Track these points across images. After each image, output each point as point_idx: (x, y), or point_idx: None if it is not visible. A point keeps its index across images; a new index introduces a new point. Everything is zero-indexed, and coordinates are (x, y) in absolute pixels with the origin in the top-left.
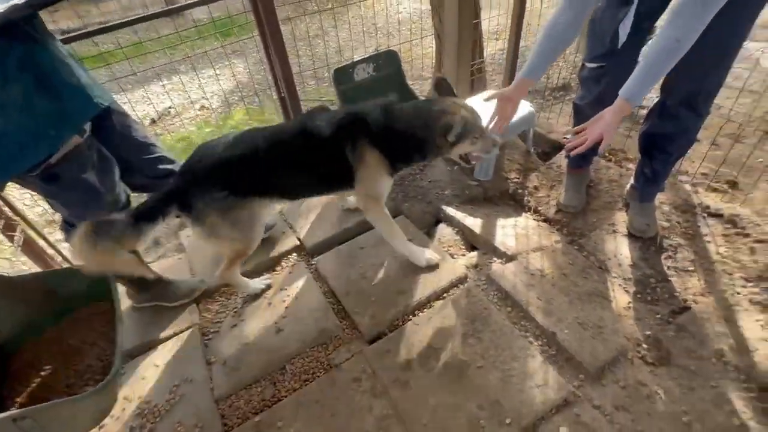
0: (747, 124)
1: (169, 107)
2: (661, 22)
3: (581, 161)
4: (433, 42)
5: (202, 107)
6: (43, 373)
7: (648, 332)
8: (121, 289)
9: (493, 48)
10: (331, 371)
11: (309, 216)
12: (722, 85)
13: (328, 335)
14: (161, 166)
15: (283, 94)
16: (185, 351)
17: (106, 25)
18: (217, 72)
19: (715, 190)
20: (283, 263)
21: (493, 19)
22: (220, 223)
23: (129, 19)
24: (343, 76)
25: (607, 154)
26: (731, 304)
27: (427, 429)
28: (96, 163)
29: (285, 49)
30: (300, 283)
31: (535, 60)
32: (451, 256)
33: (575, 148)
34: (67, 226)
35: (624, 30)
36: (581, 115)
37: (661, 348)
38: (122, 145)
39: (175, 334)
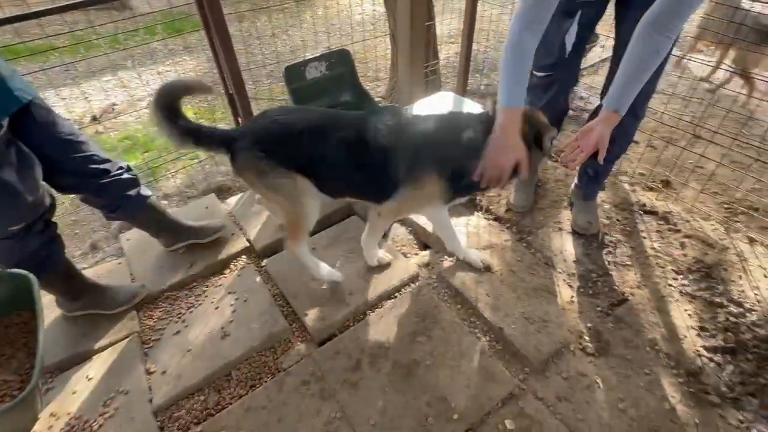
0: (677, 127)
1: (113, 104)
2: (600, 29)
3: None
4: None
5: (149, 104)
6: None
7: (589, 324)
8: (51, 298)
9: (449, 51)
10: (279, 375)
11: (260, 217)
12: (656, 89)
13: (277, 339)
14: (92, 166)
15: (231, 92)
16: (122, 361)
17: (31, 11)
18: (167, 69)
19: (651, 189)
20: (231, 266)
21: (450, 23)
22: (257, 184)
23: (60, 5)
24: (294, 74)
25: (553, 155)
26: (663, 296)
27: (375, 429)
28: (14, 162)
29: (231, 43)
30: (249, 285)
31: (519, 88)
32: (404, 255)
33: (572, 161)
34: None
35: (570, 40)
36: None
37: (600, 339)
38: (46, 143)
39: (112, 344)
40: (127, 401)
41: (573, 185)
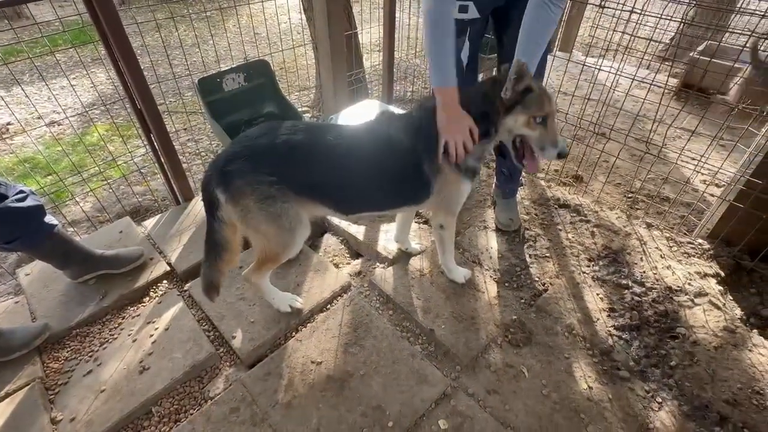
0: (587, 127)
1: (8, 123)
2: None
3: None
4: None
5: (53, 122)
6: None
7: (514, 317)
8: None
9: (375, 59)
10: (206, 406)
11: (181, 238)
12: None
13: (203, 366)
14: None
15: (139, 107)
16: (20, 414)
17: None
18: (73, 82)
19: (564, 184)
20: (151, 293)
21: (374, 32)
22: (255, 212)
23: None
24: (210, 86)
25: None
26: (578, 282)
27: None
28: None
29: (134, 56)
30: (171, 312)
31: (447, 60)
32: (336, 266)
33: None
34: None
35: (464, 56)
36: None
37: (525, 329)
38: None
39: (8, 395)
40: None
41: (494, 185)
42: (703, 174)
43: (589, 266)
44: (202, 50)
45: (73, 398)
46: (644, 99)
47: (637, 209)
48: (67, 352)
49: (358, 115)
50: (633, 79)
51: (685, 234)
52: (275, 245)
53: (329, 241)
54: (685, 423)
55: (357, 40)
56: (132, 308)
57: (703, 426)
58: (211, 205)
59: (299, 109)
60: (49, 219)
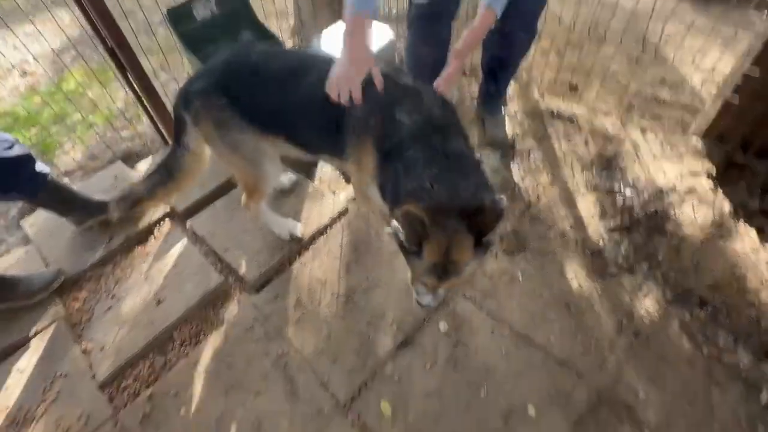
0: (583, 33)
1: None
2: None
3: None
4: None
5: (25, 73)
6: None
7: (508, 228)
8: None
9: None
10: (222, 328)
11: None
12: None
13: (214, 294)
14: None
15: (111, 45)
16: (53, 347)
17: None
18: (40, 27)
19: (558, 94)
20: (155, 233)
21: None
22: (215, 139)
23: None
24: (180, 16)
25: (466, 72)
26: (572, 191)
27: (322, 355)
28: None
29: None
30: (177, 249)
31: None
32: (333, 192)
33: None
34: None
35: None
36: (415, 55)
37: (518, 238)
38: None
39: (37, 333)
40: (69, 383)
41: (477, 102)
42: (701, 72)
43: (582, 174)
44: None
45: (98, 331)
46: None
47: (633, 114)
48: (85, 292)
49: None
50: None
51: (679, 135)
52: (246, 176)
53: (324, 169)
54: (668, 308)
55: None
56: (139, 248)
57: (684, 308)
58: (177, 128)
59: (278, 37)
60: (41, 167)
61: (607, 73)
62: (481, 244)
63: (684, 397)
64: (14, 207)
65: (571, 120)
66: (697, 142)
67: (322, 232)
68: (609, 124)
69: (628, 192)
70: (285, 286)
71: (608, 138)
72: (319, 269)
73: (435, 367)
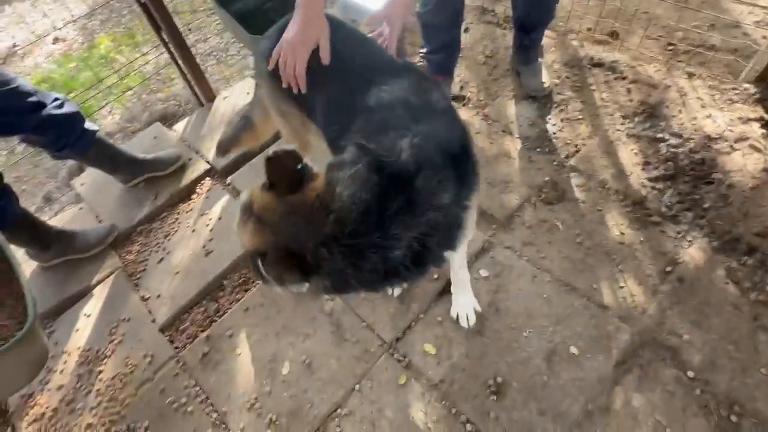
0: None
1: (14, 46)
2: None
3: (449, 71)
4: None
5: (57, 39)
6: None
7: (547, 178)
8: (22, 251)
9: None
10: None
11: (213, 137)
12: None
13: None
14: (23, 99)
15: (143, 1)
16: (114, 295)
17: None
18: None
19: (599, 42)
20: (197, 190)
21: None
22: (268, 100)
23: None
24: None
25: (501, 22)
26: (612, 140)
27: (365, 300)
28: None
29: None
30: (220, 204)
31: None
32: None
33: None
34: None
35: None
36: (429, 25)
37: (557, 188)
38: None
39: (99, 282)
40: (132, 326)
41: (511, 55)
42: (755, 14)
43: (623, 124)
44: None
45: (153, 281)
46: None
47: (679, 61)
48: (137, 246)
49: None
50: None
51: (729, 81)
52: (292, 142)
53: None
54: (714, 255)
55: None
56: (183, 205)
57: (731, 257)
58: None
59: None
60: (89, 124)
61: (652, 18)
62: None
63: (729, 339)
64: (64, 168)
65: (612, 68)
66: (749, 87)
67: None
68: (653, 71)
69: (673, 140)
70: None
71: (652, 85)
72: None
73: (476, 312)
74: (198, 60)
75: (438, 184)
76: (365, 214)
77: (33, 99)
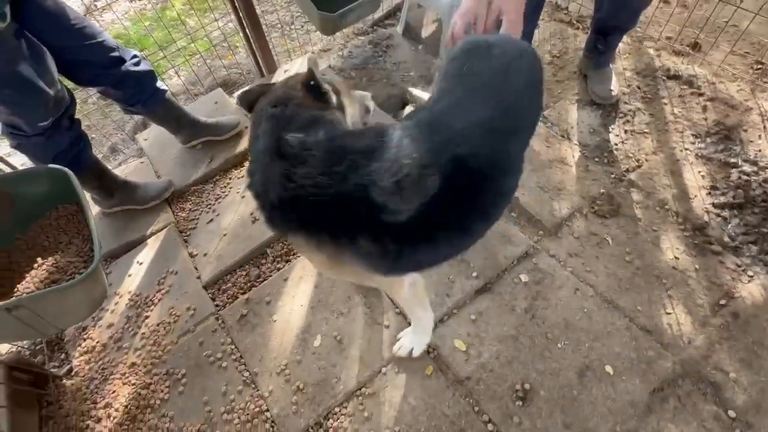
0: None
1: (95, 0)
2: None
3: None
4: None
5: None
6: (25, 274)
7: (602, 190)
8: (88, 196)
9: None
10: None
11: None
12: None
13: None
14: (107, 54)
15: None
16: (166, 247)
17: None
18: None
19: (678, 53)
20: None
21: None
22: None
23: None
24: None
25: (574, 22)
26: (678, 159)
27: None
28: (27, 55)
29: None
30: None
31: None
32: None
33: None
34: (10, 130)
35: None
36: None
37: (612, 202)
38: (57, 32)
39: (153, 234)
40: (178, 279)
41: (582, 57)
42: None
43: (693, 143)
44: None
45: (202, 239)
46: None
47: (766, 82)
48: (190, 204)
49: None
50: None
51: None
52: None
53: None
54: None
55: None
56: (236, 171)
57: None
58: None
59: None
60: (160, 84)
61: (738, 33)
62: None
63: None
64: (130, 122)
65: (689, 82)
66: None
67: None
68: (735, 90)
69: (746, 167)
70: None
71: (732, 106)
72: None
73: (512, 315)
74: (264, 29)
75: None
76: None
77: (115, 54)
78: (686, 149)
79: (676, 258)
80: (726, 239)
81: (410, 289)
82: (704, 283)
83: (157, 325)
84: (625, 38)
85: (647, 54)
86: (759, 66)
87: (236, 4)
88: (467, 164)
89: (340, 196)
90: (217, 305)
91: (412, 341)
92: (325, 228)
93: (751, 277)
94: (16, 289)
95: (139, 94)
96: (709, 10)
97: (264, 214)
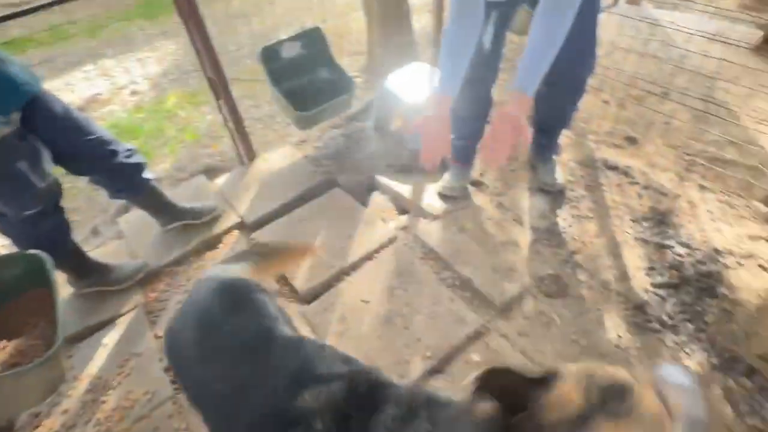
0: (647, 87)
1: (97, 93)
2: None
3: (469, 158)
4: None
5: (135, 92)
6: None
7: (550, 271)
8: (62, 277)
9: (426, 21)
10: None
11: (248, 194)
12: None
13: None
14: (103, 147)
15: (209, 75)
16: (132, 329)
17: (21, 9)
18: (147, 54)
19: (616, 146)
20: (224, 240)
21: None
22: None
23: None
24: (270, 54)
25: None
26: (619, 242)
27: None
28: (27, 154)
29: (205, 28)
30: None
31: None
32: (383, 220)
33: (495, 160)
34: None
35: (487, 40)
36: (457, 116)
37: (559, 283)
38: (59, 133)
39: (121, 315)
40: (140, 362)
41: (529, 151)
42: None
43: (632, 227)
44: (257, 20)
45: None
46: (719, 57)
47: (693, 172)
48: (163, 285)
49: (407, 78)
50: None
51: (741, 197)
52: None
53: (377, 198)
54: (712, 372)
55: (407, 5)
56: (210, 252)
57: (730, 376)
58: None
59: (351, 75)
60: (147, 174)
61: (669, 129)
62: None
63: None
64: (114, 205)
65: (625, 172)
66: (760, 205)
67: (370, 256)
68: (666, 179)
69: (680, 249)
70: (332, 301)
71: (664, 193)
72: (365, 290)
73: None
74: (248, 123)
75: None
76: None
77: (110, 147)
78: (626, 232)
79: (619, 336)
80: (665, 318)
81: None
82: (645, 361)
83: (113, 410)
84: (568, 132)
85: (588, 147)
86: (687, 157)
87: (220, 104)
88: None
89: None
90: (175, 388)
91: None
92: None
93: (688, 354)
94: None
95: (127, 183)
96: (640, 111)
97: None
